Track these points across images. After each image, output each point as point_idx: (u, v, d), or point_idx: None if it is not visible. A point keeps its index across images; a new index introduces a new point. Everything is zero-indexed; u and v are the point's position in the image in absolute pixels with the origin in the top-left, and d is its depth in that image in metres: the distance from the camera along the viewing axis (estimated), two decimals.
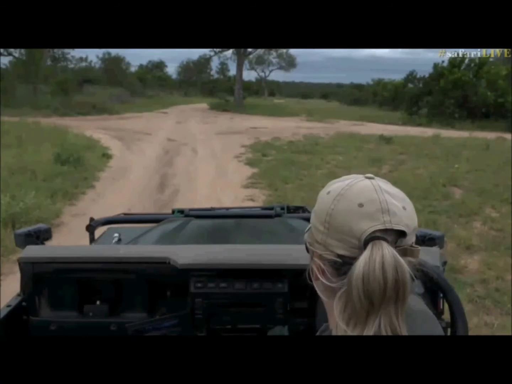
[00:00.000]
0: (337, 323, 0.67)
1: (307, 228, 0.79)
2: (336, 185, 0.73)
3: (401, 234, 0.67)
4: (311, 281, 0.78)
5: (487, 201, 6.82)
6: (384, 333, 0.65)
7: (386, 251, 0.63)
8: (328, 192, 0.72)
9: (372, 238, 0.65)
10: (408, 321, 0.69)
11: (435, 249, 1.45)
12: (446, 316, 1.30)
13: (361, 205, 0.67)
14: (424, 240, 1.56)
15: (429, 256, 1.33)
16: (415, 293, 0.78)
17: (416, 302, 0.80)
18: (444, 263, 1.41)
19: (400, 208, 0.68)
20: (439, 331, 0.83)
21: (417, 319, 0.78)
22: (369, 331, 0.64)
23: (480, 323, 3.39)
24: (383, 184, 0.71)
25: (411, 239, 0.69)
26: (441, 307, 1.39)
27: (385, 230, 0.66)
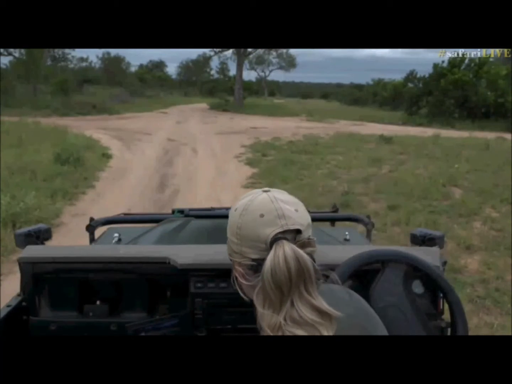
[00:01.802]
0: (259, 312, 0.78)
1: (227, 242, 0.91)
2: (240, 202, 0.87)
3: (298, 231, 0.81)
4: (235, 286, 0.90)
5: (487, 201, 6.81)
6: (297, 308, 0.75)
7: (287, 247, 0.77)
8: (235, 209, 0.87)
9: (275, 239, 0.78)
10: (335, 298, 0.82)
11: (435, 249, 1.45)
12: (446, 316, 1.30)
13: (262, 215, 0.81)
14: (424, 240, 1.56)
15: (429, 256, 1.33)
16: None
17: (338, 287, 0.90)
18: (444, 263, 1.41)
19: (293, 211, 0.83)
20: (370, 308, 0.91)
21: (344, 296, 0.89)
22: (283, 312, 0.75)
23: (480, 323, 3.39)
24: (278, 194, 0.86)
25: (307, 233, 0.82)
26: (441, 307, 1.39)
27: (284, 231, 0.80)
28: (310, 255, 0.79)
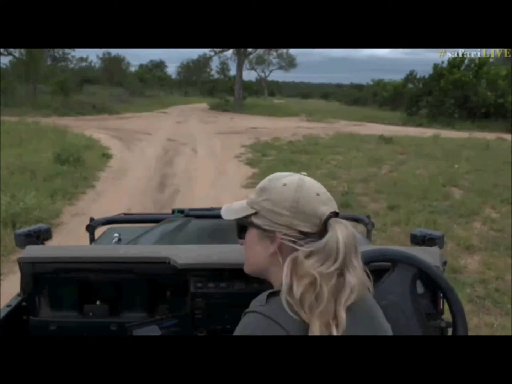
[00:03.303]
0: (308, 272, 0.81)
1: (245, 215, 0.96)
2: (287, 179, 0.92)
3: (336, 214, 0.91)
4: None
5: (487, 201, 6.81)
6: (346, 269, 0.82)
7: (347, 224, 0.87)
8: (284, 184, 0.91)
9: (329, 217, 0.87)
10: None
11: (435, 249, 1.45)
12: (446, 316, 1.30)
13: (318, 194, 0.90)
14: (424, 240, 1.56)
15: (429, 256, 1.33)
16: None
17: None
18: (444, 263, 1.41)
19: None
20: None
21: None
22: (349, 272, 0.83)
23: (480, 323, 3.39)
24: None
25: None
26: (441, 307, 1.39)
27: (334, 212, 0.90)
28: None
